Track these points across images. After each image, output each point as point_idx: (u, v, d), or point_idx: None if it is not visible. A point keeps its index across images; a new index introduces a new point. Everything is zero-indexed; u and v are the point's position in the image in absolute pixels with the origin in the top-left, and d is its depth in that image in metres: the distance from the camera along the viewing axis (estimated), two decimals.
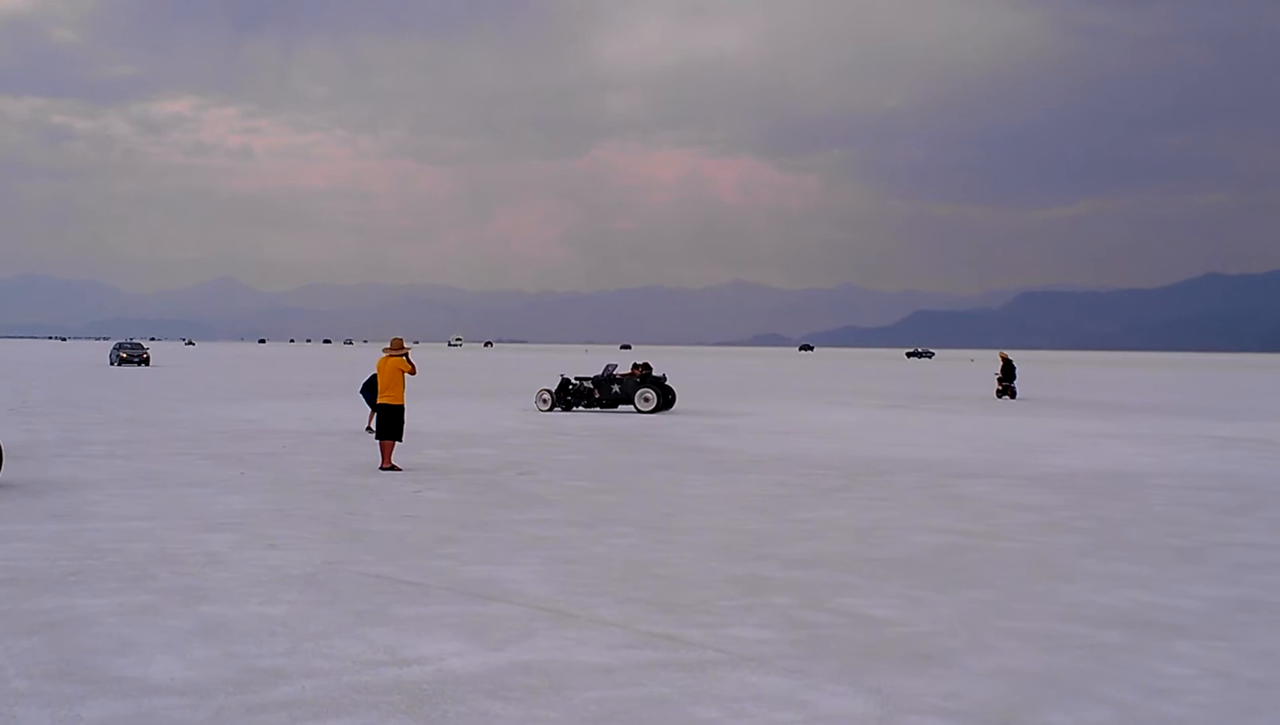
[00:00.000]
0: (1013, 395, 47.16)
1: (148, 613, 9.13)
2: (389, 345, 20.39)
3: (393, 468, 19.26)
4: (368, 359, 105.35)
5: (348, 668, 7.67)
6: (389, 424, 19.48)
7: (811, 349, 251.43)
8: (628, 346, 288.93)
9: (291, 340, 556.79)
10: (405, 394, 20.13)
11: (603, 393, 36.17)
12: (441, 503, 15.70)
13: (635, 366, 37.13)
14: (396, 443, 19.69)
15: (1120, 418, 35.88)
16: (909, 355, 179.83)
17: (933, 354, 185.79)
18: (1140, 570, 11.42)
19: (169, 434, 25.89)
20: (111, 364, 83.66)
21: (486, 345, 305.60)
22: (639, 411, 35.19)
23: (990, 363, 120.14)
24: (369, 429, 26.83)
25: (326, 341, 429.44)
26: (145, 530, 13.02)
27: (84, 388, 48.84)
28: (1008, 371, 47.67)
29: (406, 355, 20.06)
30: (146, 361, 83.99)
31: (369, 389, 27.89)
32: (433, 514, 14.65)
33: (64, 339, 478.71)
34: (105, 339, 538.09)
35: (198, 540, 12.41)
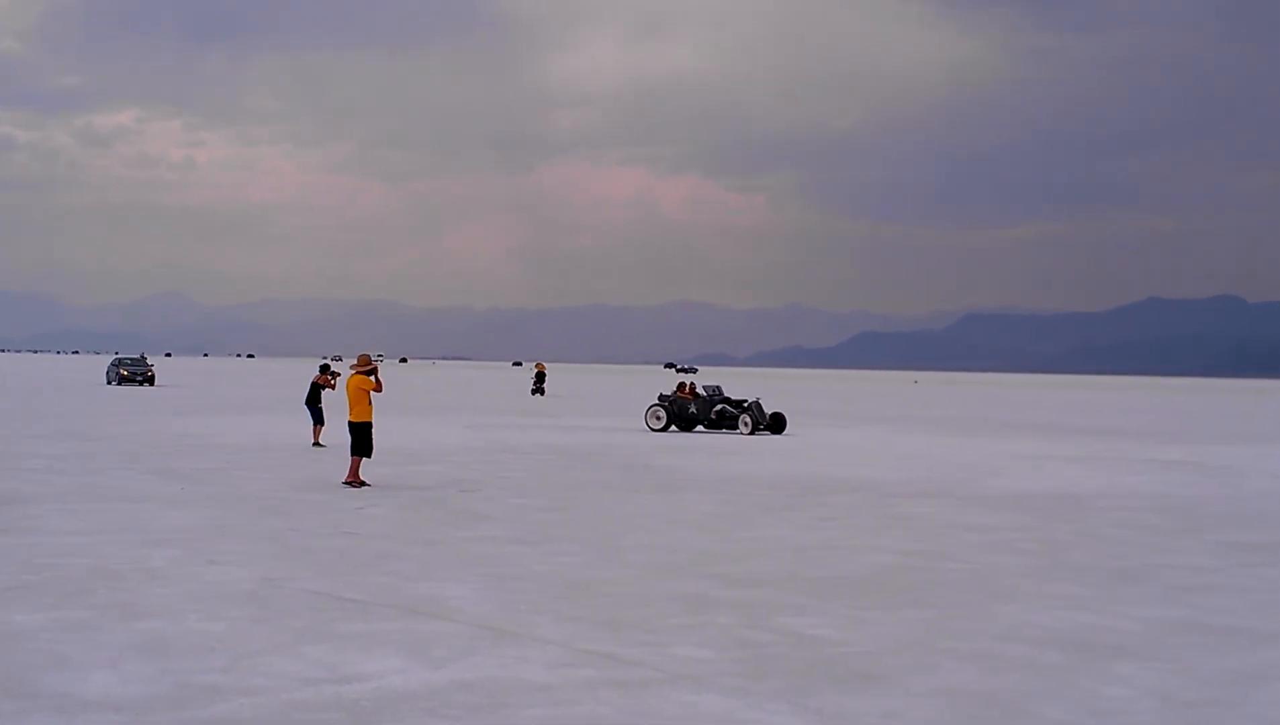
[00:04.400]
0: (542, 393, 66.24)
1: (84, 628, 9.02)
2: (355, 362, 20.45)
3: (362, 483, 19.23)
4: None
5: (287, 685, 7.60)
6: (360, 440, 19.52)
7: (696, 371, 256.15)
8: (519, 363, 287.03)
9: (205, 354, 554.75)
10: (373, 411, 20.06)
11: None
12: (385, 519, 15.60)
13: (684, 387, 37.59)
14: (365, 458, 19.69)
15: (1064, 440, 36.23)
16: (672, 368, 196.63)
17: (696, 370, 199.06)
18: (1081, 591, 11.52)
19: (113, 448, 25.59)
20: (109, 383, 69.72)
21: (401, 362, 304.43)
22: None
23: (952, 384, 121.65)
24: (316, 444, 26.70)
25: (250, 356, 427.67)
26: (84, 545, 12.86)
27: (25, 400, 48.16)
28: (539, 377, 68.90)
29: (374, 372, 20.09)
30: (151, 380, 69.81)
31: (312, 402, 27.80)
32: (375, 530, 14.56)
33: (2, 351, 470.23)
34: (37, 352, 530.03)
35: (137, 556, 12.27)
